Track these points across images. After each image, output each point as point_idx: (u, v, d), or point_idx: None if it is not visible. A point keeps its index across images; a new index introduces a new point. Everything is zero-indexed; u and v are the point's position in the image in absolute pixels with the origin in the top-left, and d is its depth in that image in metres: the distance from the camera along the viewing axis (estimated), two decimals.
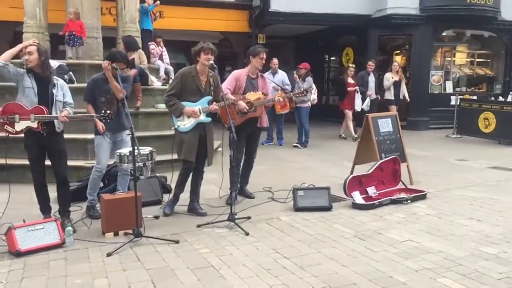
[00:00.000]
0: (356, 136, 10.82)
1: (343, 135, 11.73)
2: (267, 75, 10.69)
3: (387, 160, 6.22)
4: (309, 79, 10.29)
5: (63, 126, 4.81)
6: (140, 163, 4.85)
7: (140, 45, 8.56)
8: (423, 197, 5.91)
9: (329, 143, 11.01)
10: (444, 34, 14.43)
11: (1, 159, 4.88)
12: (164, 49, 9.76)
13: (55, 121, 4.65)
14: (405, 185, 6.22)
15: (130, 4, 8.51)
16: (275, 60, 10.73)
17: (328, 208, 5.44)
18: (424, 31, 13.50)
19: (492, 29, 14.29)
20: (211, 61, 5.10)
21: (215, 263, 3.87)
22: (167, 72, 9.57)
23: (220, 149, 9.83)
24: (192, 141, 5.18)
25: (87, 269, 3.79)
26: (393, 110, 10.93)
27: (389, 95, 11.54)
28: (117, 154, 4.90)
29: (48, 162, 4.86)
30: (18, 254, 4.05)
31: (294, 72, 10.73)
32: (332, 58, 17.12)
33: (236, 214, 4.91)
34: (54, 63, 7.56)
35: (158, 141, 7.30)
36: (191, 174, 5.41)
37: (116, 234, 4.59)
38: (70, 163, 6.68)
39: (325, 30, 15.66)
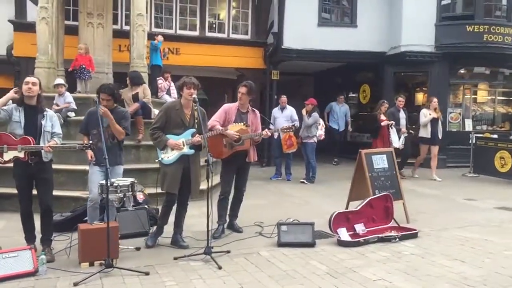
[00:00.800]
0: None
1: None
2: (276, 110, 10.91)
3: (377, 197, 6.10)
4: (315, 114, 10.31)
5: (51, 156, 4.97)
6: (120, 194, 4.95)
7: (147, 79, 8.83)
8: (413, 236, 5.74)
9: (339, 179, 10.82)
10: (462, 71, 14.26)
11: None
12: (172, 84, 10.00)
13: (42, 151, 4.80)
14: (397, 223, 6.06)
15: (138, 41, 8.83)
16: (284, 98, 10.92)
17: (311, 244, 5.35)
18: (440, 69, 13.36)
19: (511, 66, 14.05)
20: (194, 95, 5.20)
21: None
22: None
23: None
24: (175, 174, 5.24)
25: None
26: (434, 150, 10.79)
27: (425, 133, 10.73)
28: (99, 184, 5.00)
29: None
30: None
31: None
32: (350, 95, 17.10)
33: (212, 248, 4.88)
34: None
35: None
36: (175, 207, 5.45)
37: (91, 264, 4.63)
38: (67, 193, 6.92)
39: (342, 67, 15.73)
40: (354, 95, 16.85)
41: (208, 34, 13.61)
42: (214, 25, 13.83)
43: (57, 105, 7.86)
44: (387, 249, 5.22)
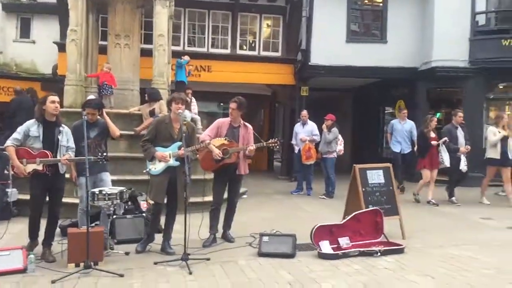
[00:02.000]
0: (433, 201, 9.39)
1: (417, 196, 9.74)
2: (298, 126, 11.09)
3: (366, 212, 6.13)
4: (335, 129, 10.40)
5: (65, 168, 5.46)
6: (108, 202, 5.35)
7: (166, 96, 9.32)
8: (398, 251, 5.72)
9: None
10: (501, 86, 13.76)
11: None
12: (194, 99, 10.46)
13: (59, 163, 5.30)
14: (386, 238, 6.05)
15: (159, 60, 9.39)
16: (304, 112, 11.11)
17: (290, 255, 5.48)
18: (475, 85, 13.00)
19: None
20: (180, 110, 5.54)
21: None
22: (194, 121, 10.20)
23: (245, 196, 10.19)
24: (162, 184, 5.58)
25: None
26: (506, 172, 9.60)
27: (494, 153, 9.52)
28: (90, 192, 5.42)
29: None
30: None
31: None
32: (386, 111, 16.90)
33: (189, 255, 5.14)
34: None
35: None
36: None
37: (77, 265, 5.00)
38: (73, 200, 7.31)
39: (379, 82, 15.66)
40: (391, 110, 16.64)
41: (239, 52, 14.06)
42: (245, 43, 14.26)
43: None
44: (363, 263, 5.25)
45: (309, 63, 13.02)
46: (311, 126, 10.94)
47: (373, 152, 16.96)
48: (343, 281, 4.58)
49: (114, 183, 7.03)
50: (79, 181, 5.82)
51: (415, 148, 10.66)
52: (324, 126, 10.58)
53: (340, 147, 10.55)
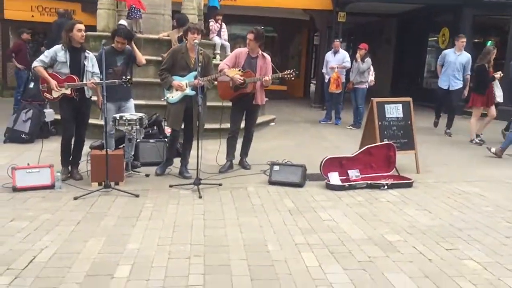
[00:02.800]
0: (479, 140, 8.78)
1: (478, 138, 8.92)
2: (329, 54, 10.96)
3: (378, 145, 6.21)
4: (368, 60, 10.21)
5: (92, 92, 5.79)
6: (128, 127, 5.67)
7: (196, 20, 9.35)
8: (407, 185, 5.83)
9: None
10: None
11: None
12: (224, 25, 10.40)
13: (85, 87, 5.62)
14: (398, 172, 6.16)
15: None
16: (337, 42, 10.90)
17: (299, 185, 5.72)
18: None
19: None
20: (196, 40, 5.62)
21: (143, 215, 4.53)
22: (224, 48, 10.25)
23: (273, 123, 10.40)
24: (178, 112, 5.83)
25: (50, 206, 4.72)
26: None
27: None
28: (112, 118, 5.75)
29: None
30: (14, 189, 5.16)
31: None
32: (430, 39, 16.19)
33: (202, 179, 5.47)
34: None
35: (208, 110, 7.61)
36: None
37: (100, 184, 5.46)
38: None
39: (422, 8, 14.91)
40: (434, 38, 15.94)
41: None
42: None
43: None
44: (367, 195, 5.43)
45: None
46: (343, 54, 10.78)
47: (413, 81, 16.55)
48: (340, 211, 4.80)
49: (142, 107, 7.42)
50: (105, 106, 6.14)
51: (466, 88, 9.60)
52: (357, 55, 10.38)
53: (371, 77, 10.38)
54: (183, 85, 5.74)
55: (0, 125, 8.45)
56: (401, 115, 6.70)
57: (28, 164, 5.51)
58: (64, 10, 11.62)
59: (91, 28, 10.20)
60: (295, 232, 4.17)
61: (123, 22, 9.12)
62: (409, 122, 6.73)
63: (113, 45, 6.00)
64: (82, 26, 5.55)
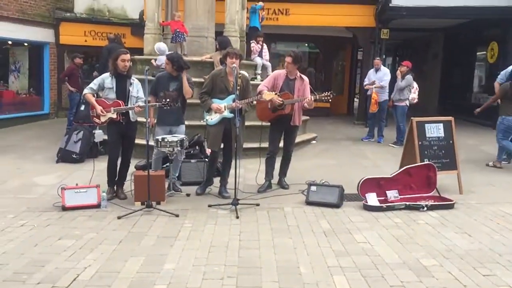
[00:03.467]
0: None
1: None
2: (372, 72, 10.90)
3: (418, 166, 6.13)
4: (409, 77, 10.09)
5: (136, 117, 6.10)
6: (169, 148, 5.89)
7: (238, 43, 9.59)
8: (448, 206, 5.72)
9: None
10: None
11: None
12: (265, 46, 10.59)
13: (130, 111, 5.94)
14: (438, 193, 6.05)
15: (231, 7, 9.60)
16: (377, 60, 10.88)
17: (336, 205, 5.73)
18: None
19: None
20: (235, 64, 5.80)
21: (181, 235, 4.69)
22: (265, 68, 10.42)
23: (314, 141, 10.45)
24: (217, 134, 6.01)
25: (95, 225, 4.98)
26: None
27: None
28: (155, 139, 6.00)
29: None
30: (64, 208, 5.48)
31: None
32: (478, 53, 15.76)
33: (239, 200, 5.59)
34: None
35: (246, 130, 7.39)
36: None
37: (143, 203, 5.68)
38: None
39: (469, 22, 14.58)
40: (483, 53, 15.50)
41: None
42: None
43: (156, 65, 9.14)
44: (406, 217, 5.37)
45: (390, 5, 12.41)
46: (383, 72, 10.72)
47: (461, 96, 16.11)
48: (376, 233, 4.78)
49: (186, 128, 7.63)
50: (155, 129, 6.39)
51: None
52: (398, 72, 10.30)
53: (413, 95, 10.23)
54: (222, 107, 5.92)
55: (54, 145, 8.98)
56: (442, 134, 6.59)
57: (77, 184, 5.83)
58: (114, 35, 12.20)
59: (140, 50, 10.72)
60: (328, 255, 4.20)
61: (160, 45, 9.43)
62: (451, 141, 6.60)
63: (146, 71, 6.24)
64: (126, 57, 5.87)
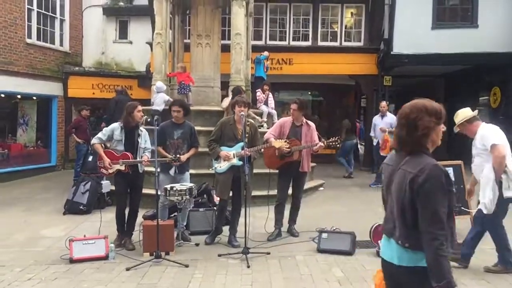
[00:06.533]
0: None
1: None
2: (377, 118, 10.97)
3: None
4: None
5: (144, 168, 6.12)
6: (178, 197, 5.85)
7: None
8: None
9: None
10: None
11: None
12: (270, 95, 10.75)
13: (138, 164, 5.96)
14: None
15: (236, 58, 9.84)
16: (383, 103, 10.91)
17: (348, 253, 5.62)
18: None
19: None
20: (243, 112, 5.86)
21: (191, 286, 4.59)
22: (271, 116, 10.53)
23: (322, 188, 10.37)
24: (226, 181, 5.99)
25: (103, 277, 4.88)
26: None
27: None
28: (163, 188, 5.97)
29: None
30: (71, 261, 5.39)
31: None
32: (481, 98, 15.91)
33: (250, 249, 5.49)
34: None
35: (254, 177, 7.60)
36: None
37: (151, 254, 5.58)
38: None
39: (470, 68, 14.81)
40: (485, 98, 15.65)
41: (321, 43, 14.09)
42: (326, 34, 14.25)
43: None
44: None
45: (391, 53, 12.68)
46: (390, 117, 10.75)
47: (467, 140, 16.09)
48: None
49: (193, 177, 7.61)
50: (160, 178, 6.37)
51: None
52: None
53: None
54: (230, 155, 5.92)
55: (61, 196, 8.95)
56: (452, 179, 6.52)
57: (85, 235, 5.76)
58: (121, 87, 12.46)
59: (146, 101, 10.87)
60: None
61: (158, 83, 9.58)
62: (461, 186, 6.53)
63: (172, 119, 6.31)
64: (141, 107, 6.00)
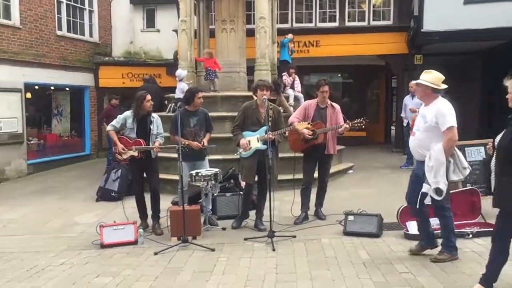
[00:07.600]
0: None
1: None
2: (407, 98, 10.74)
3: (460, 191, 5.90)
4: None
5: (156, 154, 6.23)
6: (203, 182, 5.91)
7: (269, 76, 9.71)
8: None
9: None
10: None
11: None
12: (297, 78, 10.64)
13: (151, 150, 6.08)
14: (484, 219, 5.78)
15: (261, 42, 9.75)
16: (413, 83, 10.57)
17: (375, 235, 5.56)
18: None
19: None
20: (265, 96, 5.83)
21: (217, 269, 4.64)
22: (297, 99, 10.42)
23: (351, 171, 10.28)
24: (251, 166, 5.99)
25: (132, 261, 5.00)
26: None
27: None
28: (189, 174, 6.04)
29: None
30: (102, 245, 5.55)
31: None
32: None
33: (275, 232, 5.50)
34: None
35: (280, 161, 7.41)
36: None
37: (179, 239, 5.67)
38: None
39: (508, 44, 14.23)
40: None
41: (348, 23, 13.80)
42: (354, 14, 13.95)
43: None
44: None
45: (422, 30, 12.28)
46: None
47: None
48: (419, 263, 4.58)
49: (219, 162, 7.70)
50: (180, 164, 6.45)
51: None
52: None
53: None
54: (246, 144, 5.89)
55: (94, 184, 9.18)
56: (484, 157, 6.34)
57: (115, 221, 5.90)
58: (149, 76, 12.59)
59: (175, 89, 10.96)
60: (368, 286, 4.04)
61: (179, 71, 9.73)
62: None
63: (186, 106, 6.35)
64: (149, 97, 6.10)
